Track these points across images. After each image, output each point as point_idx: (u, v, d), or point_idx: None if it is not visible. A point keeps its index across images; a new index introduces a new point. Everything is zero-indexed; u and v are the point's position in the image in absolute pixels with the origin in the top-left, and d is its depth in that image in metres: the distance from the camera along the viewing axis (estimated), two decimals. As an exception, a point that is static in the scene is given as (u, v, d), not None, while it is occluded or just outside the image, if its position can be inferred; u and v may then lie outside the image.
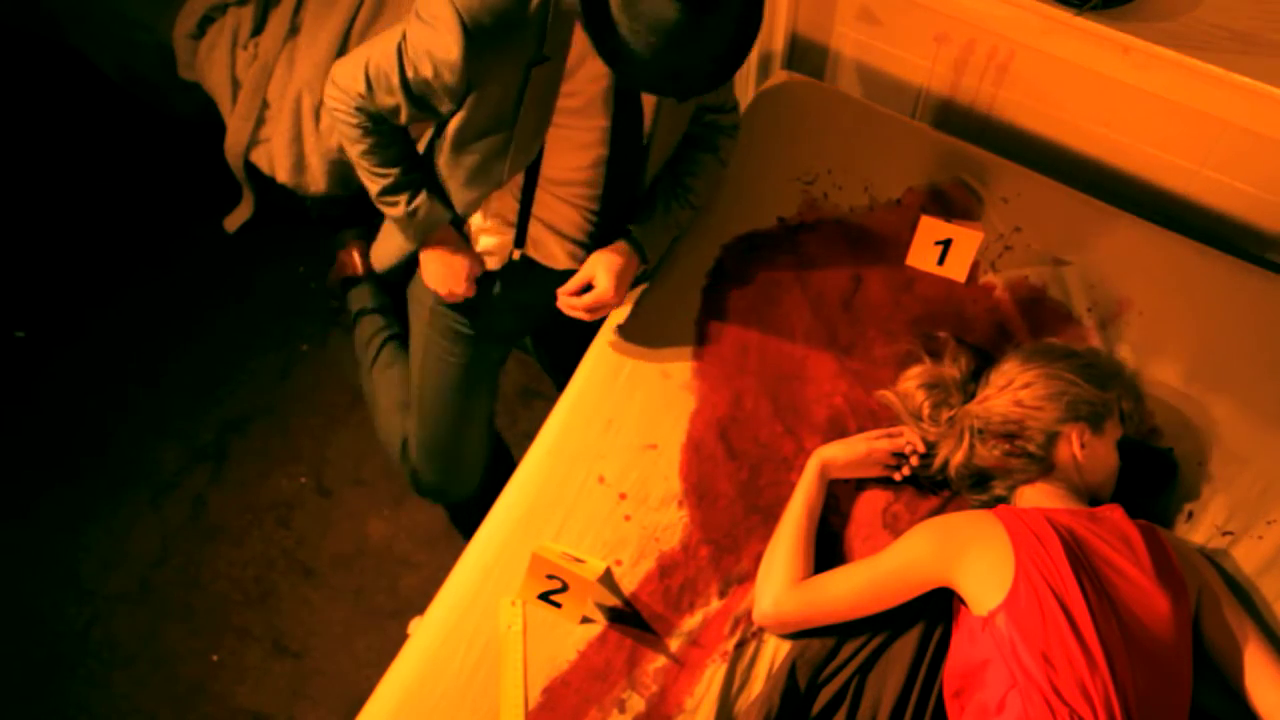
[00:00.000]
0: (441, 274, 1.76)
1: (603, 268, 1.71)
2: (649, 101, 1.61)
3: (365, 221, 2.43)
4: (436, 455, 2.02)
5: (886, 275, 1.88)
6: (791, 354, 1.81)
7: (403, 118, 1.60)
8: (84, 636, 2.27)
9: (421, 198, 1.70)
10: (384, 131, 1.64)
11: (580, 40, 1.49)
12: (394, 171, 1.68)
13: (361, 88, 1.58)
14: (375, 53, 1.56)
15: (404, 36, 1.51)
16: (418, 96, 1.55)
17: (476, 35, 1.44)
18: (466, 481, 2.06)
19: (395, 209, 1.71)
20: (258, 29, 2.41)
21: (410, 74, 1.52)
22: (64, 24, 2.77)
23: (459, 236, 1.77)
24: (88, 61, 2.83)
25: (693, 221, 1.87)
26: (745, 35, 1.40)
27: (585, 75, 1.54)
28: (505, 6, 1.44)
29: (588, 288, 1.73)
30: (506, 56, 1.48)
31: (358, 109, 1.61)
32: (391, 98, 1.56)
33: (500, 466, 2.27)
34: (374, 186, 1.70)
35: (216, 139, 2.46)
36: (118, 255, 2.73)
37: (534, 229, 1.74)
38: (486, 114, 1.56)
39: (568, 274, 1.75)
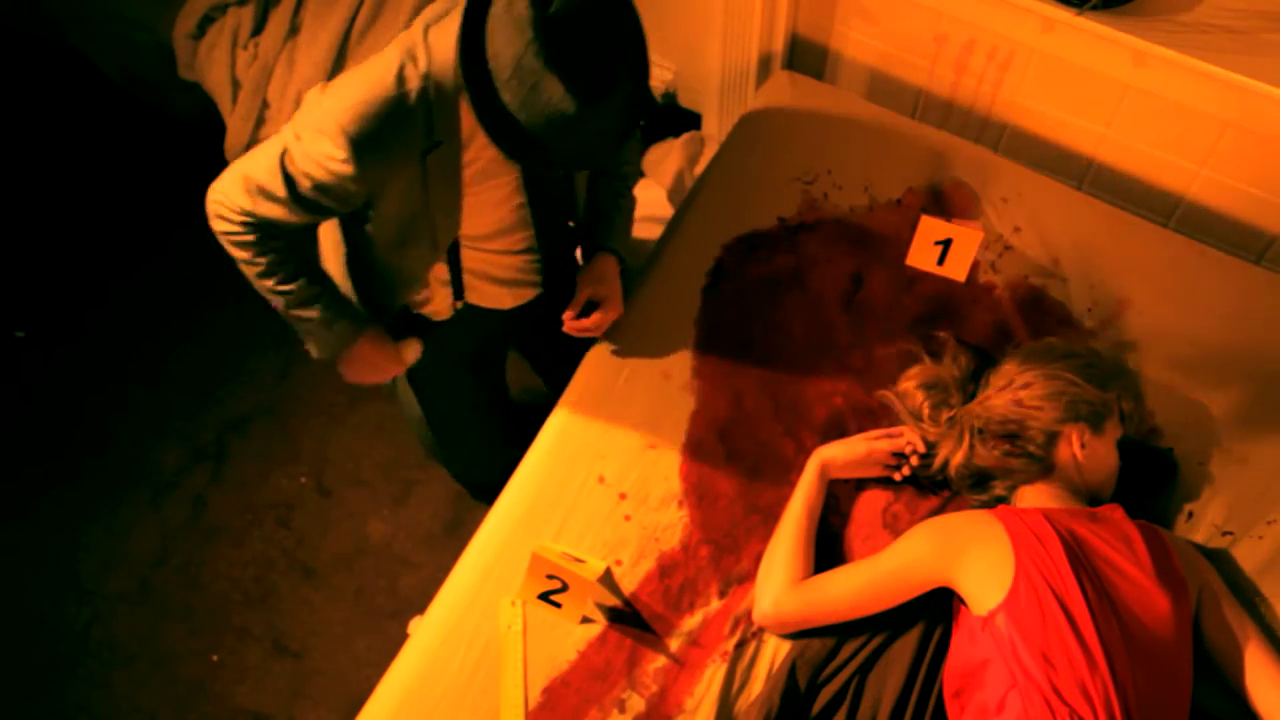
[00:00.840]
0: (364, 372, 1.74)
1: (604, 286, 1.72)
2: None
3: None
4: (457, 459, 2.14)
5: (886, 275, 1.88)
6: (791, 354, 1.81)
7: (295, 221, 1.53)
8: (84, 636, 2.27)
9: (330, 311, 1.63)
10: (278, 247, 1.56)
11: (468, 113, 1.45)
12: (297, 285, 1.59)
13: (245, 203, 1.50)
14: (253, 168, 1.50)
15: (285, 151, 1.46)
16: (310, 202, 1.49)
17: (363, 144, 1.41)
18: (491, 469, 2.07)
19: (309, 322, 1.63)
20: (258, 29, 2.40)
21: (302, 184, 1.46)
22: (64, 24, 2.78)
23: (378, 335, 1.71)
24: (88, 61, 2.83)
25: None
26: (634, 117, 1.40)
27: (481, 142, 1.50)
28: (387, 109, 1.40)
29: (590, 305, 1.74)
30: (399, 154, 1.46)
31: (245, 223, 1.52)
32: (278, 209, 1.50)
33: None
34: (278, 302, 1.61)
35: (216, 139, 2.45)
36: (118, 255, 2.73)
37: (471, 281, 1.73)
38: (396, 209, 1.55)
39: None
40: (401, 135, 1.43)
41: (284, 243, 1.56)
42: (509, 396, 2.20)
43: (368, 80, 1.41)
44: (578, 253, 1.89)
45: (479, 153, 1.51)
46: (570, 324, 1.71)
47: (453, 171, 1.51)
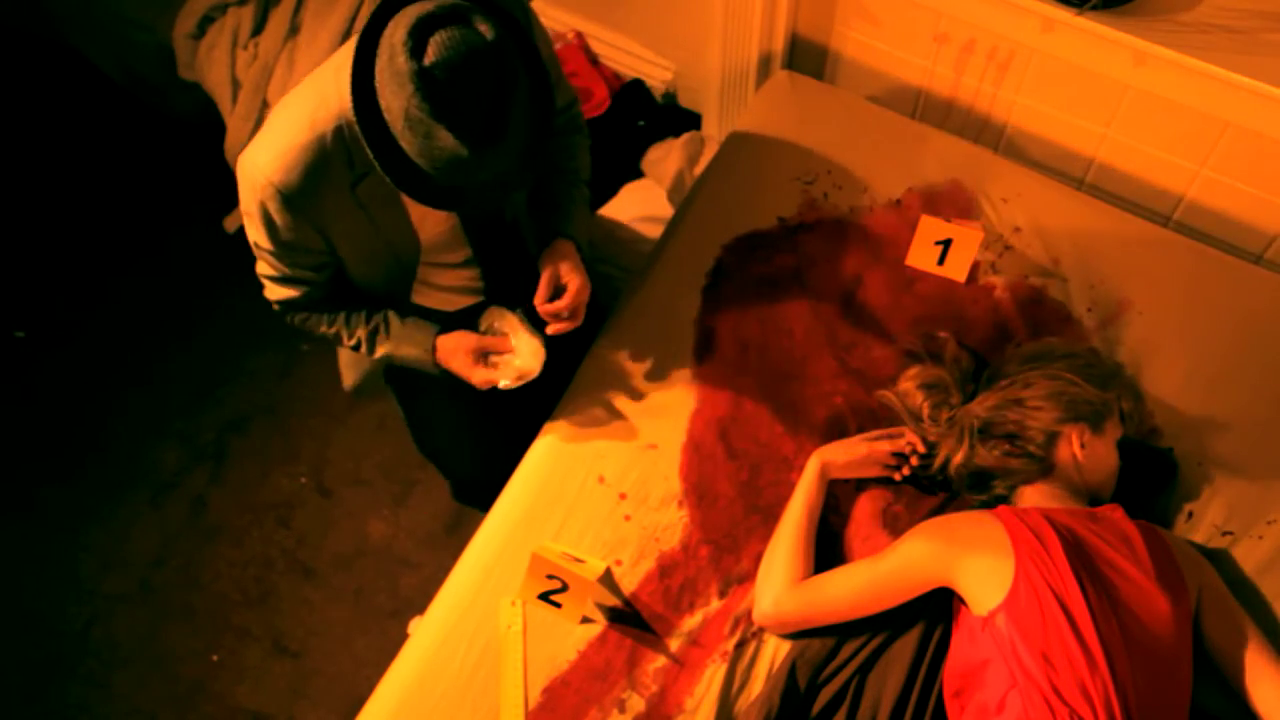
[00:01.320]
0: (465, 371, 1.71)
1: (565, 266, 1.67)
2: None
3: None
4: (439, 453, 2.14)
5: (886, 275, 1.88)
6: (791, 354, 1.81)
7: (313, 287, 1.64)
8: (84, 636, 2.27)
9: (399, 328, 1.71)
10: (320, 296, 1.66)
11: None
12: (360, 324, 1.70)
13: (271, 295, 1.66)
14: (258, 265, 1.63)
15: (253, 243, 1.57)
16: (301, 270, 1.60)
17: (294, 197, 1.45)
18: (474, 464, 2.07)
19: (384, 358, 1.73)
20: (258, 29, 2.41)
21: (281, 264, 1.57)
22: (64, 24, 2.77)
23: (454, 336, 1.70)
24: (88, 61, 2.83)
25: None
26: (531, 161, 1.42)
27: None
28: (308, 158, 1.44)
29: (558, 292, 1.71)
30: (330, 193, 1.48)
31: (285, 308, 1.67)
32: (288, 289, 1.63)
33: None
34: (367, 349, 1.71)
35: (216, 139, 2.46)
36: (118, 255, 2.73)
37: (418, 286, 1.77)
38: (351, 245, 1.59)
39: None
40: (325, 176, 1.46)
41: (321, 286, 1.65)
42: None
43: (285, 131, 1.44)
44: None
45: None
46: (543, 308, 1.66)
47: (389, 191, 1.52)
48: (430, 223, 1.63)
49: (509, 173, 1.40)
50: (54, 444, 2.49)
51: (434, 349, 1.69)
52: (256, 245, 1.57)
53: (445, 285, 1.78)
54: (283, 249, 1.54)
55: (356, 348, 1.71)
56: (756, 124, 2.06)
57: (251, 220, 1.53)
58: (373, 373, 2.11)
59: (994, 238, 1.92)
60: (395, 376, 1.98)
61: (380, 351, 1.71)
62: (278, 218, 1.48)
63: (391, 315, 1.71)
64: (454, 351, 1.68)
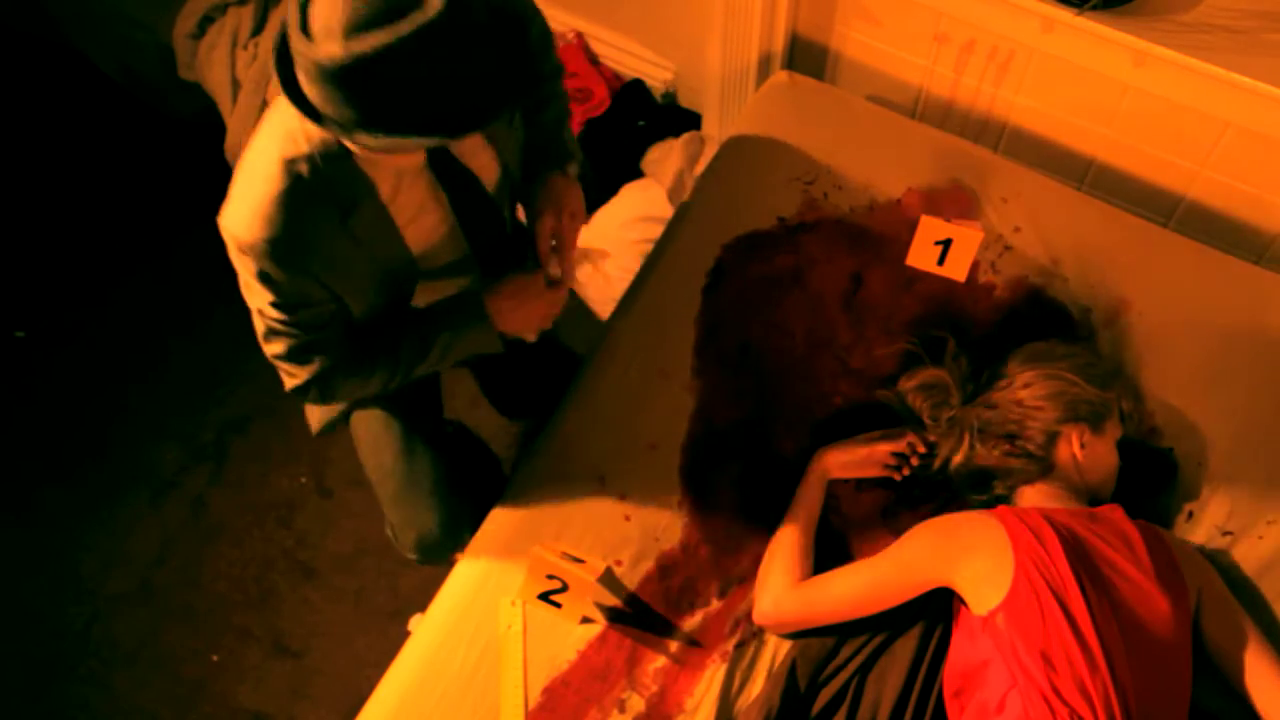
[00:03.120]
0: (528, 322, 1.60)
1: (566, 197, 1.58)
2: (476, 156, 1.49)
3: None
4: (396, 513, 1.89)
5: (886, 275, 1.88)
6: (791, 354, 1.81)
7: (335, 325, 1.47)
8: (84, 636, 2.27)
9: (450, 332, 1.54)
10: (344, 350, 1.49)
11: (370, 162, 1.35)
12: (400, 354, 1.53)
13: (285, 343, 1.45)
14: (264, 346, 1.48)
15: (255, 311, 1.43)
16: (316, 309, 1.43)
17: (290, 249, 1.32)
18: (431, 516, 1.85)
19: (452, 351, 1.55)
20: (258, 29, 2.41)
21: (295, 318, 1.41)
22: (64, 24, 2.77)
23: (504, 291, 1.56)
24: (88, 61, 2.83)
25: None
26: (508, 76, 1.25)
27: (396, 177, 1.41)
28: (292, 203, 1.30)
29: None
30: (323, 235, 1.35)
31: (298, 363, 1.47)
32: (312, 331, 1.45)
33: (494, 470, 2.27)
34: (423, 369, 1.55)
35: (216, 139, 2.46)
36: (118, 255, 2.73)
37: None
38: (354, 280, 1.44)
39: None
40: (314, 219, 1.33)
41: (331, 323, 1.46)
42: (446, 433, 2.00)
43: (260, 182, 1.31)
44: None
45: (398, 188, 1.42)
46: (547, 261, 1.58)
47: (383, 220, 1.42)
48: (421, 233, 1.50)
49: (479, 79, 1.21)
50: (54, 444, 2.49)
51: (490, 319, 1.54)
52: (262, 313, 1.42)
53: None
54: (295, 307, 1.40)
55: (407, 378, 1.56)
56: (756, 124, 2.06)
57: (251, 288, 1.39)
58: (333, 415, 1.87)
59: (994, 238, 1.92)
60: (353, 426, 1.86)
61: (431, 365, 1.56)
62: (280, 275, 1.35)
63: (422, 325, 1.56)
64: (512, 296, 1.54)
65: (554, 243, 1.58)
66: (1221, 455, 1.71)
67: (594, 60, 2.72)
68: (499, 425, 2.46)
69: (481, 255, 1.62)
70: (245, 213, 1.31)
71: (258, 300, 1.41)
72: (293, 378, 1.50)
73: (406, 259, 1.49)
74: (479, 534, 1.69)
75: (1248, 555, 1.63)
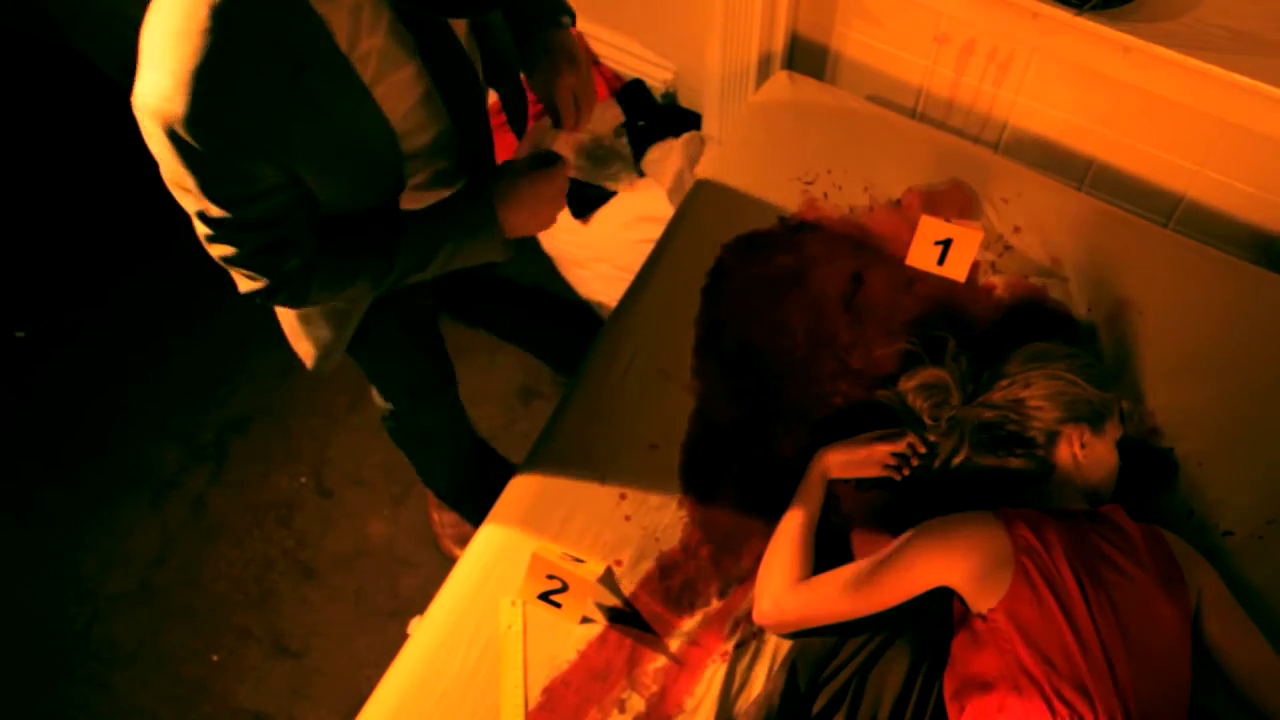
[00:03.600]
0: (538, 217, 1.40)
1: (571, 68, 1.43)
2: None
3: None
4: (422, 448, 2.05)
5: (886, 275, 1.88)
6: (791, 354, 1.81)
7: (295, 210, 1.21)
8: (84, 636, 2.27)
9: (453, 225, 1.34)
10: (312, 241, 1.25)
11: (332, 8, 1.11)
12: (386, 243, 1.31)
13: (234, 244, 1.20)
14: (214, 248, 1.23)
15: (190, 214, 1.18)
16: (270, 196, 1.17)
17: (222, 122, 1.06)
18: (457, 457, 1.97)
19: (458, 252, 1.35)
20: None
21: (243, 205, 1.15)
22: (64, 24, 2.78)
23: (512, 182, 1.36)
24: (88, 62, 2.83)
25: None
26: None
27: (361, 31, 1.15)
28: (222, 64, 1.04)
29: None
30: (266, 99, 1.08)
31: (255, 266, 1.23)
32: (268, 214, 1.18)
33: (496, 468, 2.27)
34: (418, 272, 1.35)
35: (216, 139, 2.46)
36: (118, 255, 2.73)
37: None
38: (318, 157, 1.19)
39: None
40: (254, 78, 1.06)
41: (293, 218, 1.21)
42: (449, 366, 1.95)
43: (177, 42, 1.03)
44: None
45: (358, 33, 1.15)
46: (573, 133, 1.46)
47: (345, 75, 1.15)
48: (394, 93, 1.22)
49: None
50: (54, 444, 2.49)
51: (501, 226, 1.35)
52: (204, 215, 1.15)
53: (418, 185, 1.42)
54: (247, 199, 1.14)
55: (397, 284, 1.35)
56: (756, 124, 2.06)
57: (185, 183, 1.11)
58: (330, 341, 1.63)
59: (994, 238, 1.92)
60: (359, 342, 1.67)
61: (429, 273, 1.36)
62: (220, 156, 1.08)
63: (423, 226, 1.34)
64: (524, 193, 1.36)
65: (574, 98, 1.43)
66: (1222, 455, 1.71)
67: (594, 60, 2.72)
68: (499, 425, 2.47)
69: (461, 126, 1.34)
70: (165, 80, 1.03)
71: (194, 199, 1.14)
72: (253, 281, 1.26)
73: (383, 130, 1.23)
74: (479, 534, 1.69)
75: (1248, 555, 1.63)
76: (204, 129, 1.04)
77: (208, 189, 1.12)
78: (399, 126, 1.25)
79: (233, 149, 1.08)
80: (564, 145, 1.42)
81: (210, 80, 1.03)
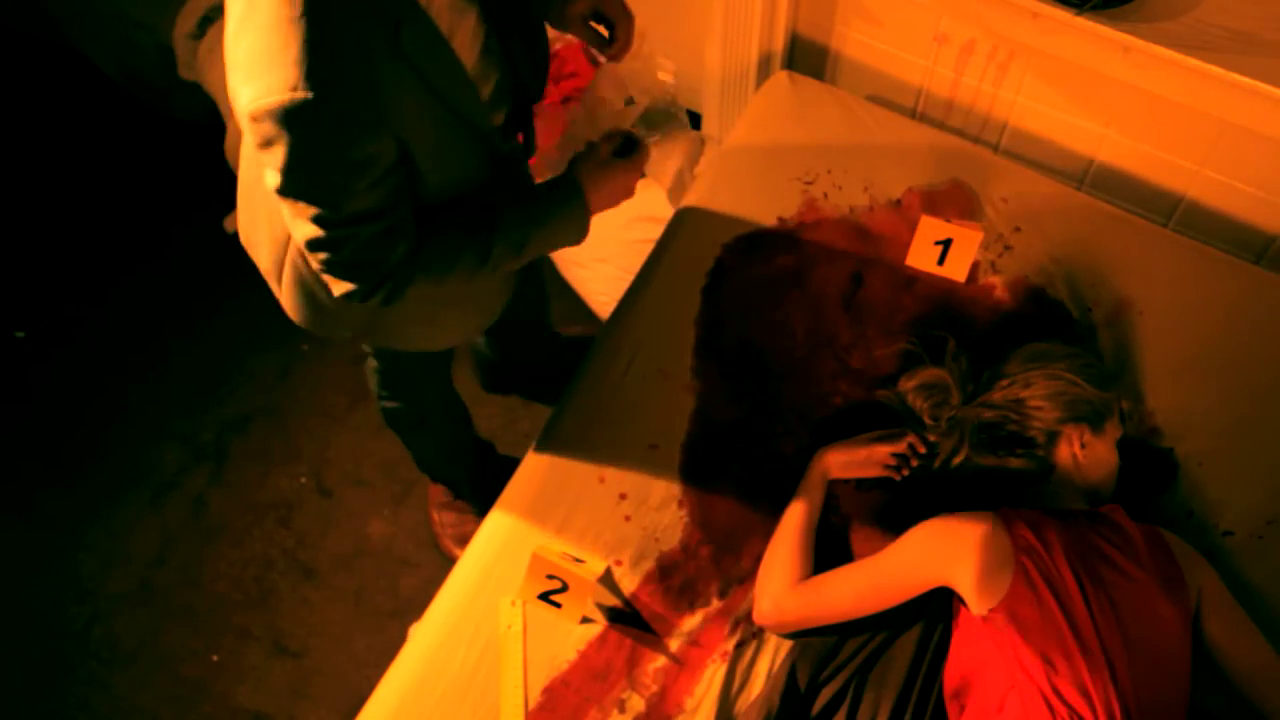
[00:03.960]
0: (614, 197, 1.45)
1: (620, 12, 1.41)
2: None
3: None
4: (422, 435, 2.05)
5: (886, 275, 1.88)
6: (791, 354, 1.81)
7: (401, 197, 1.19)
8: (84, 636, 2.27)
9: (541, 208, 1.36)
10: (404, 210, 1.21)
11: None
12: (485, 222, 1.30)
13: (337, 225, 1.16)
14: (284, 223, 1.21)
15: (298, 220, 1.15)
16: (383, 175, 1.15)
17: (340, 100, 1.05)
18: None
19: (534, 248, 1.36)
20: (258, 29, 2.40)
21: (357, 190, 1.13)
22: (64, 24, 2.78)
23: (595, 171, 1.40)
24: (88, 62, 2.83)
25: None
26: None
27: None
28: (334, 38, 1.04)
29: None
30: (379, 63, 1.08)
31: (385, 241, 1.20)
32: (359, 199, 1.15)
33: (498, 467, 2.27)
34: (511, 261, 1.35)
35: (216, 139, 2.45)
36: (118, 255, 2.73)
37: None
38: (420, 125, 1.17)
39: None
40: (364, 43, 1.05)
41: (409, 212, 1.21)
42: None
43: (279, 31, 1.03)
44: None
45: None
46: (626, 62, 1.42)
47: (429, 28, 1.13)
48: (465, 42, 1.20)
49: None
50: (54, 444, 2.49)
51: (588, 207, 1.38)
52: (320, 218, 1.13)
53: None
54: (358, 180, 1.11)
55: (492, 270, 1.34)
56: (756, 124, 2.06)
57: (303, 188, 1.10)
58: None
59: (994, 238, 1.92)
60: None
61: (520, 259, 1.36)
62: (344, 137, 1.07)
63: (516, 204, 1.35)
64: (606, 174, 1.38)
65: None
66: (1222, 455, 1.71)
67: (594, 60, 2.72)
68: (499, 425, 2.46)
69: (518, 73, 1.31)
70: (279, 77, 1.02)
71: (308, 204, 1.12)
72: (353, 283, 1.22)
73: (468, 86, 1.20)
74: (479, 534, 1.69)
75: (1248, 555, 1.63)
76: (329, 109, 1.03)
77: (332, 180, 1.10)
78: (474, 79, 1.23)
79: (354, 126, 1.06)
80: (607, 81, 1.39)
81: (322, 59, 1.01)
